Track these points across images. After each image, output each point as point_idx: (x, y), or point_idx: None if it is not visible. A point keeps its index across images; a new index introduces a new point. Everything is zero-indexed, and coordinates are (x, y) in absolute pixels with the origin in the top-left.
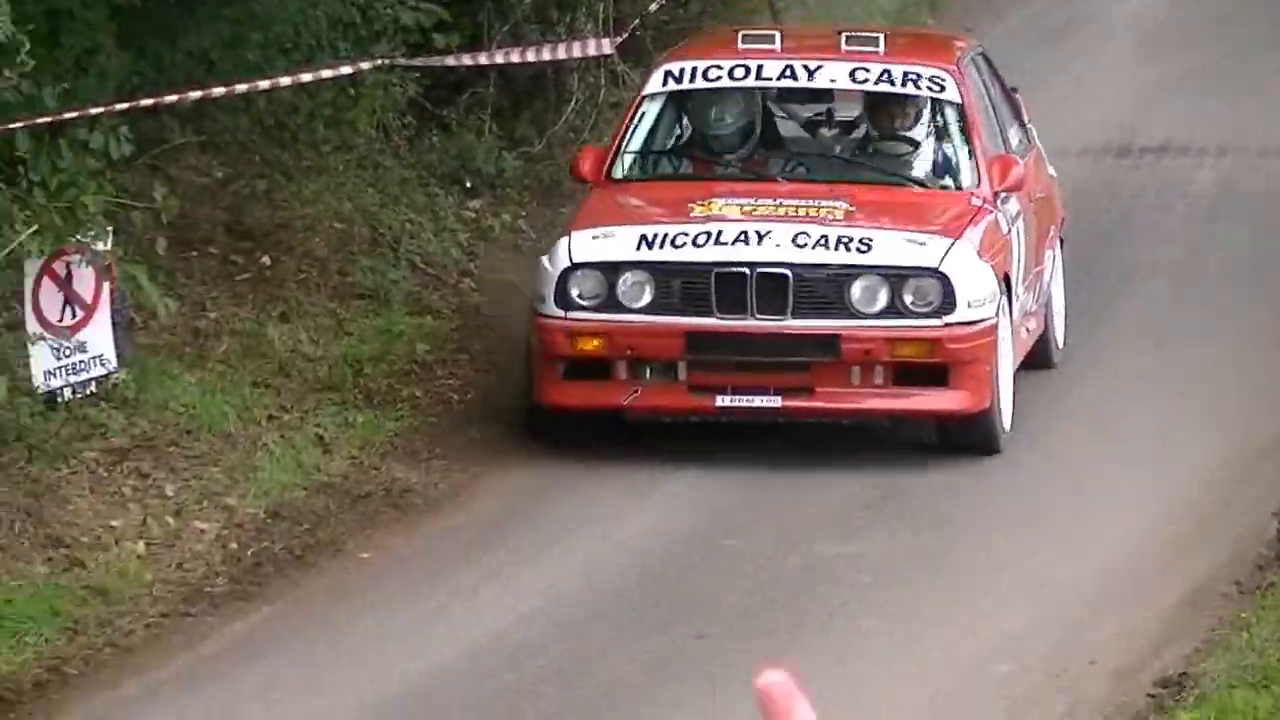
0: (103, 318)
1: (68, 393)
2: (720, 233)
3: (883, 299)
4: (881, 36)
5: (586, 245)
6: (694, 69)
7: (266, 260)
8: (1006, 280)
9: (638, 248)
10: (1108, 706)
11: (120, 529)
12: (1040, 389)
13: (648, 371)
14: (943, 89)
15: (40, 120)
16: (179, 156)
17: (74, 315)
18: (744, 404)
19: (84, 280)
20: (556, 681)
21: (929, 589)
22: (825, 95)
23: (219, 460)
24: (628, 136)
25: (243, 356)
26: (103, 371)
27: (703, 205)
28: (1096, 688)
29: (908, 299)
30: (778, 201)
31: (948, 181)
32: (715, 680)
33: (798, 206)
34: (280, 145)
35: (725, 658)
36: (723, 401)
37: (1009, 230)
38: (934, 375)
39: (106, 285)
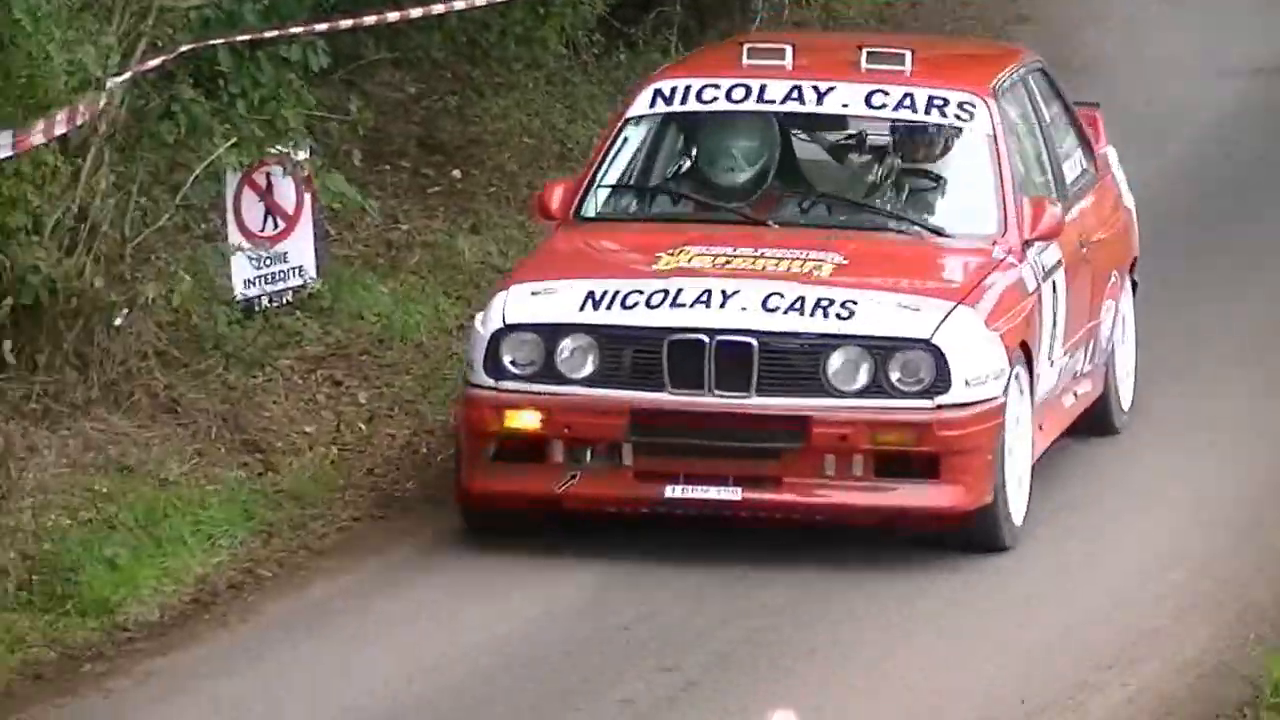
0: (304, 230)
1: (264, 301)
2: (680, 291)
3: (864, 375)
4: (908, 54)
5: (523, 303)
6: (687, 88)
7: (457, 174)
8: (1025, 349)
9: (581, 308)
10: (1276, 613)
11: (314, 435)
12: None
13: (588, 454)
14: (971, 117)
15: (240, 38)
16: (373, 72)
17: (276, 226)
18: (697, 495)
19: (285, 192)
20: (742, 585)
21: (1105, 498)
22: (838, 122)
23: (410, 369)
24: (603, 168)
25: (434, 268)
26: (299, 282)
27: (672, 255)
28: (1266, 595)
29: (894, 376)
30: (758, 252)
31: (968, 228)
32: (900, 587)
33: (779, 260)
34: (472, 62)
35: (910, 564)
36: (672, 492)
37: (1038, 287)
38: (923, 466)
39: (308, 197)
